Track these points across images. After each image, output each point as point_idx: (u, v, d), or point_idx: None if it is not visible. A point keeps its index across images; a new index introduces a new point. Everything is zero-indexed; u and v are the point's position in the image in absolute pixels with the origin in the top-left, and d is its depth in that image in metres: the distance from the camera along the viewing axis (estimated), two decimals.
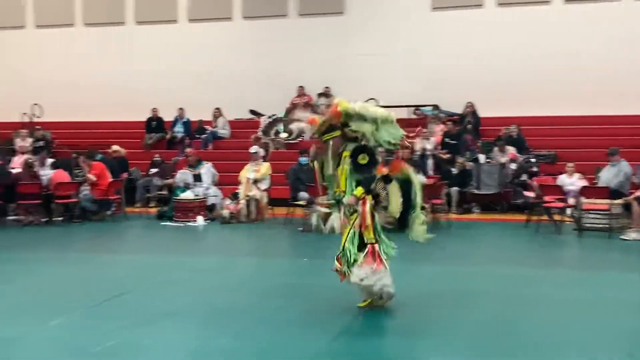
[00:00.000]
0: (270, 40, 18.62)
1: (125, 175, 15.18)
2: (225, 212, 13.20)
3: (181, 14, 19.28)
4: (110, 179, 13.80)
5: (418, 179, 6.60)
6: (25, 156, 15.13)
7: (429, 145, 15.70)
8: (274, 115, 19.48)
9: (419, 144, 15.75)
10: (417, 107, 17.80)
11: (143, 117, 18.45)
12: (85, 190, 13.53)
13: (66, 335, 5.82)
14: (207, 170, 14.19)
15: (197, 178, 14.11)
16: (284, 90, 18.00)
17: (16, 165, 14.53)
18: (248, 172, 13.69)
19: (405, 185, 6.43)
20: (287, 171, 13.63)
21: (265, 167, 13.77)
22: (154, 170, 15.91)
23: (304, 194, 12.49)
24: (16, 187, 12.98)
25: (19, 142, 17.33)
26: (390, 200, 6.34)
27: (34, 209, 13.14)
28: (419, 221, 6.52)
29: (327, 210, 6.57)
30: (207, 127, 18.27)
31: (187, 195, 13.48)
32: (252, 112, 18.77)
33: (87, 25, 19.69)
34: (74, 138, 17.98)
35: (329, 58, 18.00)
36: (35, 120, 18.50)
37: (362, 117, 6.18)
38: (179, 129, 18.30)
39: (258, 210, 13.40)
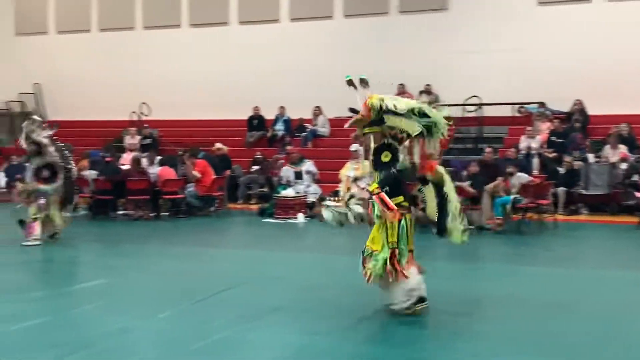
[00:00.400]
0: (370, 38, 18.55)
1: (227, 172, 15.48)
2: None
3: (283, 14, 19.49)
4: (214, 176, 14.10)
5: (451, 184, 6.33)
6: (134, 153, 15.69)
7: (534, 144, 15.26)
8: None
9: (523, 142, 15.34)
10: (521, 104, 17.33)
11: (245, 115, 18.78)
12: (191, 186, 13.88)
13: (173, 329, 5.96)
14: (308, 167, 14.29)
15: (298, 176, 14.24)
16: (384, 88, 17.83)
17: (125, 162, 15.08)
18: (348, 170, 13.63)
19: (439, 189, 6.25)
20: None
21: (365, 165, 13.69)
22: (255, 167, 16.17)
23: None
24: (126, 183, 13.45)
25: (128, 140, 17.99)
26: (427, 203, 6.25)
27: (143, 204, 13.59)
28: (457, 230, 6.23)
29: (339, 205, 6.68)
30: (307, 125, 18.40)
31: (288, 192, 13.62)
32: (352, 110, 18.63)
33: (192, 26, 20.21)
34: (180, 136, 18.47)
35: (431, 55, 17.76)
36: (143, 118, 19.13)
37: (393, 112, 6.10)
38: (279, 127, 18.51)
39: None
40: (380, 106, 6.16)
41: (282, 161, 15.72)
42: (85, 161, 15.30)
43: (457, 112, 17.13)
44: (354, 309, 6.55)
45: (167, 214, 13.78)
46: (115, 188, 13.47)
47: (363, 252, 6.25)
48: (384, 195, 6.02)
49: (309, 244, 11.55)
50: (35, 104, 21.50)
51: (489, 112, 17.01)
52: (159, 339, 5.72)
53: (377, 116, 6.18)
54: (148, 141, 17.80)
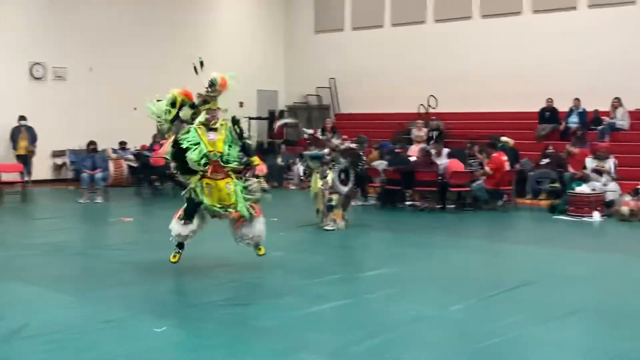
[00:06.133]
0: None
1: (517, 166, 15.05)
2: (624, 209, 12.29)
3: (581, 0, 18.41)
4: (507, 169, 13.77)
5: None
6: (421, 145, 15.90)
7: None
8: None
9: None
10: None
11: (536, 107, 18.08)
12: (479, 180, 13.71)
13: (464, 323, 5.91)
14: (611, 164, 13.35)
15: (597, 171, 13.37)
16: None
17: (413, 153, 15.32)
18: None
19: None
20: None
21: None
22: (545, 161, 15.51)
23: None
24: (414, 174, 13.66)
25: (414, 132, 18.27)
26: None
27: (430, 196, 13.71)
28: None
29: None
30: (603, 117, 17.22)
31: (583, 189, 12.86)
32: None
33: (483, 17, 19.90)
34: (466, 128, 18.35)
35: None
36: (431, 111, 19.31)
37: None
38: (573, 120, 17.55)
39: None
40: None
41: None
42: (375, 152, 15.87)
43: None
44: None
45: (452, 206, 13.76)
46: (404, 179, 13.74)
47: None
48: None
49: (607, 244, 10.79)
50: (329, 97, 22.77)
51: None
52: (450, 332, 5.71)
53: None
54: (435, 133, 17.93)
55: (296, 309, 6.12)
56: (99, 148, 15.83)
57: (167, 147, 7.49)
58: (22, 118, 17.02)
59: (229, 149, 7.33)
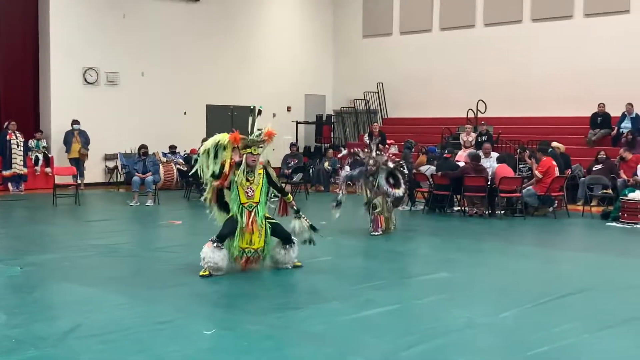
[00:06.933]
0: None
1: (568, 171, 14.80)
2: None
3: (634, 4, 18.03)
4: (556, 175, 13.56)
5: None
6: (470, 150, 15.74)
7: None
8: None
9: None
10: None
11: (587, 112, 17.78)
12: (529, 185, 13.52)
13: (516, 330, 5.85)
14: None
15: None
16: None
17: (461, 158, 15.19)
18: None
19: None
20: None
21: None
22: (597, 167, 15.23)
23: None
24: (463, 179, 13.54)
25: (463, 137, 18.12)
26: None
27: (479, 201, 13.57)
28: None
29: None
30: None
31: (636, 195, 12.58)
32: None
33: (534, 21, 19.64)
34: (515, 133, 18.14)
35: None
36: (480, 115, 19.13)
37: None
38: (625, 125, 17.20)
39: None
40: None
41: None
42: (423, 157, 15.78)
43: None
44: None
45: (502, 212, 13.60)
46: (453, 184, 13.63)
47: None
48: None
49: None
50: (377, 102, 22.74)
51: None
52: (499, 339, 5.67)
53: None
54: (484, 138, 17.73)
55: (345, 313, 6.14)
56: (150, 152, 16.07)
57: (210, 190, 7.83)
58: (75, 122, 17.45)
59: (265, 196, 7.79)
